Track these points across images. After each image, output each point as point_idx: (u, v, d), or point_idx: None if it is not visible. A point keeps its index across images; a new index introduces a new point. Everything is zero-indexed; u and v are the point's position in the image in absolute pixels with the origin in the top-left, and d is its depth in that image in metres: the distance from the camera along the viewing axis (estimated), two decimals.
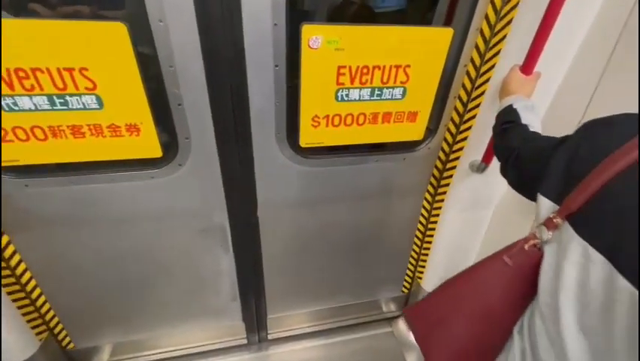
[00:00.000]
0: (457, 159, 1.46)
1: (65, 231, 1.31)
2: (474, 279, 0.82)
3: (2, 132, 1.04)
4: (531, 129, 0.92)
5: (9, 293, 1.35)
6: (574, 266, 0.59)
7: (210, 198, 1.36)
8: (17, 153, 1.09)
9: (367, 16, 1.89)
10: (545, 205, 0.68)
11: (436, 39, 1.18)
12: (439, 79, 1.27)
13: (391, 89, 1.25)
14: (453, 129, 1.41)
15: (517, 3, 1.07)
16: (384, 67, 1.19)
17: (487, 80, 1.24)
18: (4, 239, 1.25)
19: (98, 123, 1.08)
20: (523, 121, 0.96)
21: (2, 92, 0.96)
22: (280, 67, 1.10)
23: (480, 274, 0.81)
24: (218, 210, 1.40)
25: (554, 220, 0.65)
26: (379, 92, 1.25)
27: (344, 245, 1.72)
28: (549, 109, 1.31)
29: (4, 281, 1.32)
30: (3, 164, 1.09)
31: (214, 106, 1.13)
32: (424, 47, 1.18)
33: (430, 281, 1.88)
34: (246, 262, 1.60)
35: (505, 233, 1.61)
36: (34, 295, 1.41)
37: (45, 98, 1.00)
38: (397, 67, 1.20)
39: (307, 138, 1.29)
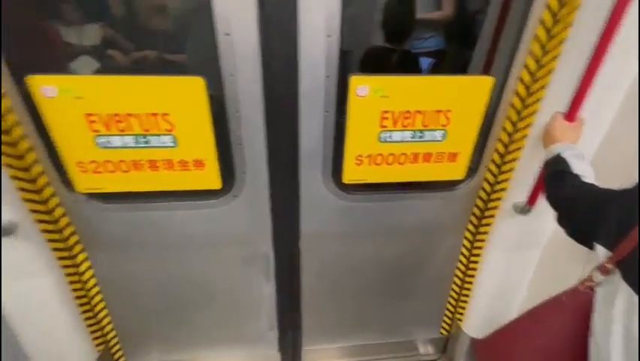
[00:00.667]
0: (499, 199, 1.46)
1: (131, 253, 1.47)
2: (536, 318, 0.87)
3: (94, 165, 1.23)
4: (584, 179, 0.93)
5: (79, 305, 1.52)
6: (620, 311, 0.60)
7: (258, 227, 1.47)
8: (103, 182, 1.28)
9: (408, 60, 2.02)
10: (601, 252, 0.71)
11: (476, 87, 1.25)
12: (480, 122, 1.32)
13: (432, 132, 1.32)
14: (494, 169, 1.43)
15: (557, 55, 1.12)
16: (425, 112, 1.27)
17: (529, 125, 1.27)
18: (82, 256, 1.43)
19: (171, 159, 1.25)
20: (575, 170, 0.97)
21: (100, 133, 1.17)
22: (330, 113, 1.22)
23: (541, 314, 0.86)
24: (264, 239, 1.51)
25: (607, 266, 0.68)
26: (420, 135, 1.32)
27: (382, 281, 1.73)
28: (595, 156, 1.30)
29: (76, 293, 1.49)
30: (91, 191, 1.29)
31: (269, 145, 1.26)
32: (464, 93, 1.26)
33: (472, 324, 1.81)
34: (286, 291, 1.67)
35: (554, 275, 1.54)
36: (98, 307, 1.57)
37: (132, 137, 1.19)
38: (438, 112, 1.28)
39: (350, 175, 1.38)
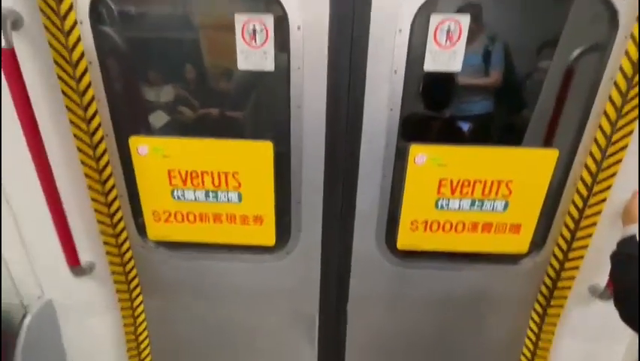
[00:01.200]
0: (571, 278, 1.32)
1: (184, 300, 1.52)
2: None
3: (166, 215, 1.35)
4: None
5: (128, 348, 1.55)
6: None
7: (306, 287, 1.46)
8: (171, 231, 1.38)
9: (460, 125, 2.05)
10: None
11: (540, 159, 1.22)
12: (545, 195, 1.27)
13: (492, 202, 1.28)
14: (564, 245, 1.32)
15: (631, 131, 1.09)
16: (485, 181, 1.25)
17: (604, 200, 1.19)
18: (139, 299, 1.50)
19: (234, 213, 1.33)
20: None
21: (177, 187, 1.30)
22: (387, 177, 1.25)
23: None
24: (311, 299, 1.48)
25: None
26: (480, 204, 1.29)
27: (432, 354, 1.58)
28: None
29: (127, 336, 1.54)
30: (160, 239, 1.39)
31: (326, 206, 1.30)
32: (527, 165, 1.23)
33: None
34: (329, 357, 1.57)
35: None
36: (144, 353, 1.59)
37: (204, 192, 1.30)
38: (499, 182, 1.25)
39: (405, 240, 1.35)
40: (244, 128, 1.65)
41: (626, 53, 1.04)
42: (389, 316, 1.50)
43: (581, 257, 1.28)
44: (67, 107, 1.12)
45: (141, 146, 1.23)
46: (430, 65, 1.11)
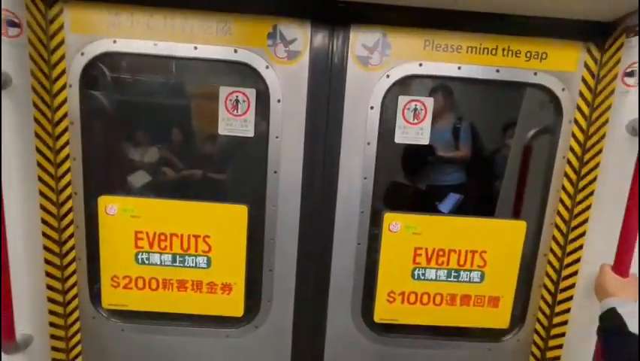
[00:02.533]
0: (556, 358, 1.25)
1: None
2: None
3: (126, 281, 1.25)
4: None
5: None
6: None
7: None
8: (128, 299, 1.26)
9: (433, 194, 2.14)
10: None
11: (509, 229, 1.26)
12: (519, 266, 1.27)
13: (468, 272, 1.27)
14: (544, 321, 1.28)
15: (590, 205, 1.15)
16: (460, 251, 1.25)
17: (575, 273, 1.20)
18: None
19: (200, 280, 1.24)
20: (631, 329, 0.87)
21: (143, 250, 1.22)
22: (362, 245, 1.23)
23: None
24: None
25: None
26: (456, 274, 1.27)
27: None
28: None
29: None
30: (116, 307, 1.26)
31: (299, 274, 1.25)
32: (498, 235, 1.26)
33: None
34: None
35: None
36: None
37: (171, 255, 1.23)
38: (473, 252, 1.26)
39: (382, 313, 1.28)
40: (221, 191, 1.65)
41: (573, 135, 1.16)
42: None
43: (563, 334, 1.24)
44: (38, 162, 1.11)
45: (110, 205, 1.19)
46: (400, 138, 1.19)
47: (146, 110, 1.70)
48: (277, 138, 1.17)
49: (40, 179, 1.12)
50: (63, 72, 1.12)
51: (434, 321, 1.29)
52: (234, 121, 1.17)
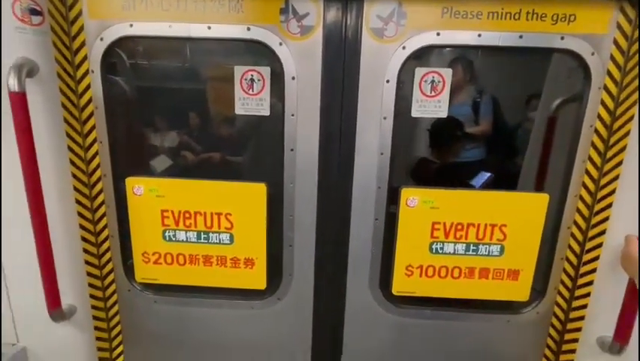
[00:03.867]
0: (577, 330, 1.25)
1: (168, 349, 1.42)
2: None
3: (156, 256, 1.33)
4: None
5: None
6: None
7: (298, 337, 1.37)
8: (158, 274, 1.34)
9: (455, 170, 2.09)
10: None
11: (531, 203, 1.23)
12: (540, 240, 1.25)
13: (487, 246, 1.26)
14: (565, 293, 1.27)
15: (618, 175, 1.11)
16: (478, 225, 1.24)
17: (600, 245, 1.17)
18: (120, 349, 1.41)
19: (224, 255, 1.30)
20: None
21: (169, 227, 1.29)
22: (379, 220, 1.25)
23: None
24: (302, 352, 1.38)
25: None
26: (475, 248, 1.27)
27: None
28: None
29: None
30: (148, 281, 1.35)
31: (318, 249, 1.28)
32: (519, 209, 1.23)
33: None
34: None
35: None
36: None
37: (195, 233, 1.29)
38: (493, 225, 1.24)
39: (400, 286, 1.31)
40: (240, 171, 1.68)
41: (602, 103, 1.11)
42: None
43: (585, 306, 1.23)
44: (68, 147, 1.17)
45: (137, 186, 1.25)
46: (417, 112, 1.17)
47: (163, 94, 1.73)
48: (293, 115, 1.17)
49: (72, 162, 1.19)
50: (85, 58, 1.15)
51: (452, 294, 1.31)
52: (250, 100, 1.18)
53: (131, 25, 1.14)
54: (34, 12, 1.03)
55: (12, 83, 0.96)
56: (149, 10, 1.12)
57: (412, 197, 1.23)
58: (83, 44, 1.15)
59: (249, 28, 1.11)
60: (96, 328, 1.34)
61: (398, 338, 1.34)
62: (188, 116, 1.82)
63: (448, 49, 1.45)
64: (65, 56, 1.12)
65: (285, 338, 1.38)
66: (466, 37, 1.10)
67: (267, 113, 1.22)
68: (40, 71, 1.07)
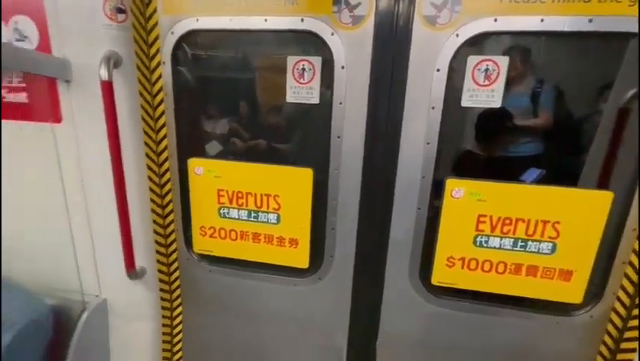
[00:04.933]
0: (634, 339, 1.16)
1: (218, 314, 1.58)
2: None
3: (211, 231, 1.47)
4: None
5: (163, 350, 1.62)
6: None
7: (336, 317, 1.44)
8: (213, 246, 1.49)
9: (498, 164, 1.98)
10: None
11: (591, 201, 1.15)
12: (600, 240, 1.17)
13: (537, 243, 1.22)
14: (625, 299, 1.18)
15: None
16: (529, 220, 1.20)
17: None
18: (179, 310, 1.60)
19: (271, 234, 1.41)
20: None
21: (224, 205, 1.42)
22: (422, 209, 1.26)
23: None
24: (340, 330, 1.46)
25: None
26: (523, 244, 1.23)
27: None
28: None
29: (164, 338, 1.61)
30: (204, 252, 1.50)
31: (360, 234, 1.33)
32: (577, 206, 1.17)
33: None
34: None
35: None
36: (177, 355, 1.64)
37: (247, 211, 1.41)
38: (545, 222, 1.19)
39: (440, 276, 1.31)
40: (289, 156, 1.78)
41: None
42: (421, 357, 1.41)
43: None
44: (143, 130, 1.33)
45: (198, 167, 1.40)
46: (468, 101, 1.14)
47: (221, 84, 1.85)
48: (341, 104, 1.21)
49: (146, 143, 1.35)
50: (158, 51, 1.30)
51: (496, 288, 1.28)
52: (301, 89, 1.24)
53: (197, 20, 1.25)
54: (119, 10, 1.19)
55: (103, 73, 1.13)
56: (213, 6, 1.22)
57: (457, 188, 1.21)
58: (156, 38, 1.29)
59: (302, 20, 1.17)
60: (160, 289, 1.54)
61: (434, 327, 1.36)
62: (244, 104, 1.93)
63: (504, 35, 1.38)
64: (143, 50, 1.27)
65: (325, 315, 1.46)
66: (527, 22, 1.05)
67: (316, 101, 1.28)
68: (123, 62, 1.23)
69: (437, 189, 1.25)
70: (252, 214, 1.41)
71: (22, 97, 1.29)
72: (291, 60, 1.23)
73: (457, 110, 1.23)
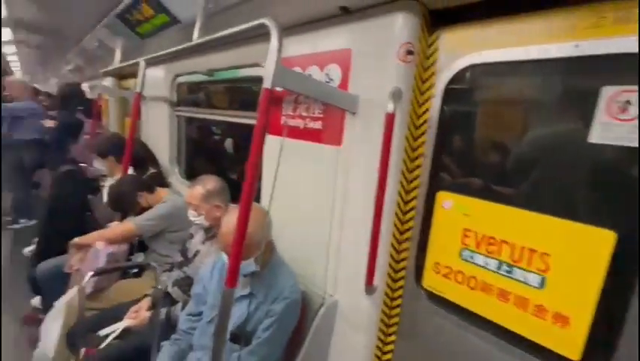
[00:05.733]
0: None
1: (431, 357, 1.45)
2: None
3: (447, 270, 1.36)
4: None
5: None
6: None
7: None
8: (447, 288, 1.35)
9: None
10: None
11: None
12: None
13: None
14: None
15: None
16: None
17: None
18: (393, 337, 1.57)
19: (527, 298, 1.13)
20: None
21: (468, 247, 1.28)
22: None
23: None
24: None
25: None
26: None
27: None
28: None
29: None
30: (433, 290, 1.41)
31: None
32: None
33: None
34: None
35: None
36: None
37: (497, 262, 1.21)
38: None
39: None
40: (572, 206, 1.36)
41: None
42: None
43: None
44: (402, 158, 1.42)
45: (447, 201, 1.34)
46: None
47: (496, 119, 1.48)
48: None
49: (401, 170, 1.44)
50: (431, 86, 1.36)
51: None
52: (619, 126, 0.95)
53: (480, 54, 1.22)
54: (409, 52, 1.32)
55: (390, 106, 1.28)
56: (502, 37, 1.16)
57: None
58: (432, 74, 1.36)
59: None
60: (382, 311, 1.56)
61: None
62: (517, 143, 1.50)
63: None
64: (418, 86, 1.37)
65: None
66: None
67: (635, 143, 0.95)
68: (403, 97, 1.35)
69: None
70: (504, 267, 1.19)
71: (318, 124, 1.67)
72: (607, 90, 0.97)
73: None
